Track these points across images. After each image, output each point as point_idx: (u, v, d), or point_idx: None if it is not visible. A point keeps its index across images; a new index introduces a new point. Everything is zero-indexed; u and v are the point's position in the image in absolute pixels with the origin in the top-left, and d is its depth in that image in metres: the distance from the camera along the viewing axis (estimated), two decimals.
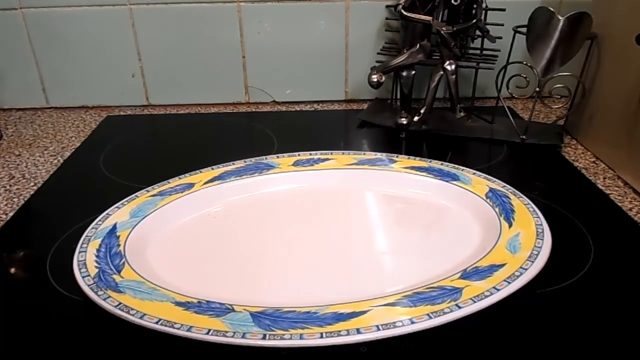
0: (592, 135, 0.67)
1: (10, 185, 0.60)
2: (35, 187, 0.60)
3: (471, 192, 0.51)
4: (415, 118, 0.72)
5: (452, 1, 0.67)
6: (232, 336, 0.34)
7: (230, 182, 0.54)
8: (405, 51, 0.70)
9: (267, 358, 0.35)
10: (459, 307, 0.35)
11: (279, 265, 0.44)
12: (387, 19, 0.78)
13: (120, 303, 0.37)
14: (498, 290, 0.37)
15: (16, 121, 0.81)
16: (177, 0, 0.77)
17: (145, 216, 0.48)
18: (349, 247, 0.46)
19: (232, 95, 0.85)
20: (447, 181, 0.53)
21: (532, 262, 0.40)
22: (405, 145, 0.70)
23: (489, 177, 0.53)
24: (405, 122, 0.72)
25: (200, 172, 0.55)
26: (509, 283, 0.37)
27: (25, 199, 0.57)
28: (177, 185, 0.53)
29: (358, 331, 0.34)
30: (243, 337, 0.34)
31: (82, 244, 0.44)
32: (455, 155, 0.65)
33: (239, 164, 0.57)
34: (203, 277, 0.43)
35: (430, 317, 0.35)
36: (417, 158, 0.58)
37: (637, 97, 0.56)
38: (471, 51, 0.73)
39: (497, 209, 0.48)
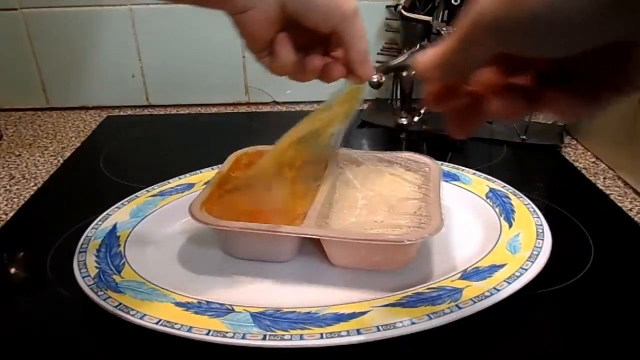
0: (592, 135, 0.67)
1: (10, 186, 0.60)
2: (35, 187, 0.60)
3: (471, 192, 0.51)
4: (415, 118, 0.72)
5: (452, 1, 0.67)
6: (232, 337, 0.34)
7: None
8: (405, 51, 0.70)
9: (267, 358, 0.35)
10: (459, 308, 0.35)
11: (279, 265, 0.44)
12: (387, 19, 0.78)
13: (120, 303, 0.37)
14: (498, 290, 0.37)
15: (16, 121, 0.81)
16: None
17: (145, 216, 0.48)
18: None
19: (232, 95, 0.85)
20: (447, 181, 0.52)
21: (533, 262, 0.40)
22: (405, 145, 0.70)
23: (489, 177, 0.53)
24: (405, 122, 0.72)
25: (201, 172, 0.55)
26: (509, 283, 0.37)
27: (25, 199, 0.57)
28: (177, 185, 0.53)
29: (358, 332, 0.34)
30: (243, 337, 0.34)
31: (82, 244, 0.44)
32: (455, 155, 0.65)
33: None
34: (203, 277, 0.43)
35: (431, 318, 0.35)
36: None
37: (637, 97, 0.56)
38: None
39: (497, 209, 0.48)
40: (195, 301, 0.37)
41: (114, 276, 0.40)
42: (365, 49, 0.38)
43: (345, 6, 0.35)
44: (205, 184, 0.49)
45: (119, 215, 0.48)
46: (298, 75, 0.38)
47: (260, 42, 0.36)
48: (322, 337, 0.34)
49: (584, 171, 0.61)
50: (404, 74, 0.71)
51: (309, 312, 0.36)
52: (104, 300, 0.37)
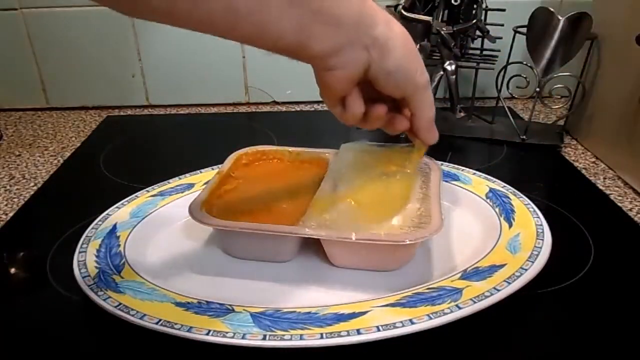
0: (592, 135, 0.67)
1: (10, 186, 0.60)
2: (35, 187, 0.60)
3: (471, 192, 0.51)
4: None
5: (452, 1, 0.67)
6: (232, 337, 0.34)
7: None
8: None
9: (267, 358, 0.35)
10: (459, 308, 0.35)
11: (279, 265, 0.44)
12: None
13: (120, 303, 0.37)
14: (498, 290, 0.37)
15: (16, 121, 0.81)
16: None
17: (145, 216, 0.48)
18: None
19: (232, 95, 0.85)
20: (447, 181, 0.52)
21: (532, 262, 0.40)
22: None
23: (489, 177, 0.53)
24: None
25: (200, 172, 0.55)
26: (509, 283, 0.37)
27: (25, 199, 0.57)
28: (177, 185, 0.53)
29: (358, 332, 0.34)
30: (243, 337, 0.34)
31: (82, 244, 0.44)
32: (455, 155, 0.65)
33: None
34: (203, 277, 0.43)
35: (431, 318, 0.35)
36: None
37: (637, 97, 0.56)
38: (471, 51, 0.73)
39: (497, 209, 0.48)
40: (195, 301, 0.37)
41: (114, 276, 0.40)
42: (432, 118, 0.41)
43: (419, 79, 0.38)
44: (205, 184, 0.49)
45: (119, 215, 0.48)
46: (363, 124, 0.41)
47: (337, 96, 0.38)
48: (322, 337, 0.34)
49: (584, 171, 0.61)
50: None
51: (309, 312, 0.36)
52: (104, 300, 0.37)
